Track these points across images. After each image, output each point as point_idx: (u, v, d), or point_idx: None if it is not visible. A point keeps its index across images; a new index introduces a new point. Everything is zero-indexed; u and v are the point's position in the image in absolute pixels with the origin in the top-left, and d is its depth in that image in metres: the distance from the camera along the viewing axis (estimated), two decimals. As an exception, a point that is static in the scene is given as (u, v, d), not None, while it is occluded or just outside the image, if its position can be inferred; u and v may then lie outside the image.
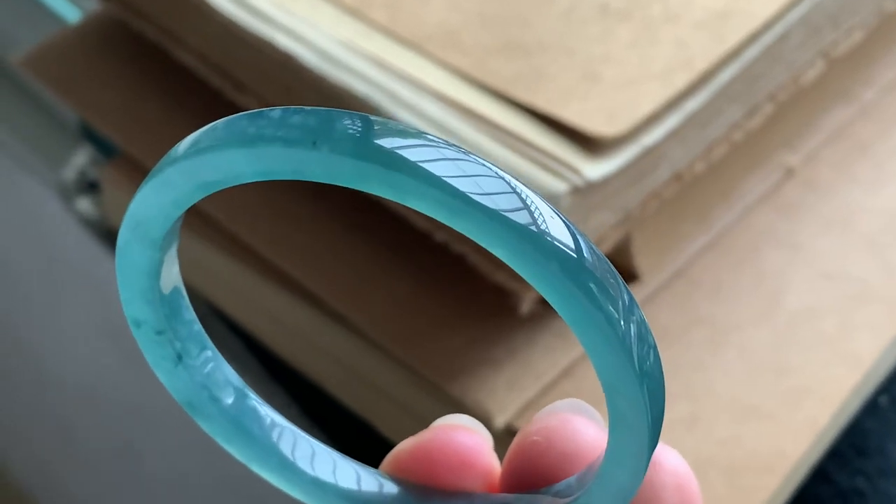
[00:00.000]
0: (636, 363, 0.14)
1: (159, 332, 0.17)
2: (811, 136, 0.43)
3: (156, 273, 0.16)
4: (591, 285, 0.14)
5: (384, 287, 0.38)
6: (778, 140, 0.42)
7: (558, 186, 0.33)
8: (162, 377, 0.18)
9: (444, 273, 0.38)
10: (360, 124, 0.14)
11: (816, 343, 0.37)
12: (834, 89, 0.44)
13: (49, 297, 0.65)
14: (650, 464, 0.16)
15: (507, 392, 0.36)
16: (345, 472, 0.19)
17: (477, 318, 0.37)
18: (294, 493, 0.19)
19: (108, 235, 0.48)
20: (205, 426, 0.18)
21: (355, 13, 0.38)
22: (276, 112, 0.14)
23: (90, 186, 0.50)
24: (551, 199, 0.33)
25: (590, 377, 0.37)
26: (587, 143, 0.34)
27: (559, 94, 0.35)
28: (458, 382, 0.36)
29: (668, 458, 0.17)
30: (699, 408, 0.35)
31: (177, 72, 0.43)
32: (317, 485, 0.18)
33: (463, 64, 0.36)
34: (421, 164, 0.13)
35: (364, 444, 0.40)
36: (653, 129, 0.35)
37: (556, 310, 0.14)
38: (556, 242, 0.14)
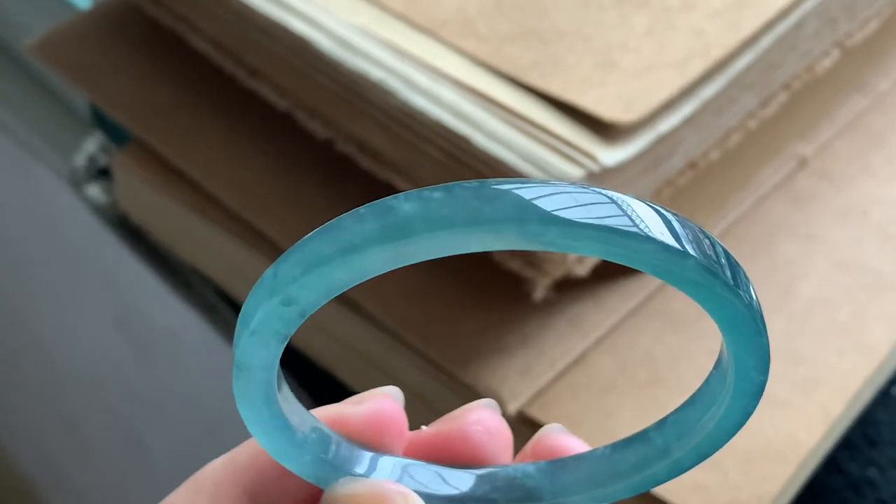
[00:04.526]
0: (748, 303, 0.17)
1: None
2: (825, 127, 0.43)
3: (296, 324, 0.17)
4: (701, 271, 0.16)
5: (398, 274, 0.38)
6: (792, 130, 0.42)
7: (574, 172, 0.33)
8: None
9: (458, 260, 0.38)
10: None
11: (830, 333, 0.37)
12: (849, 79, 0.44)
13: (58, 285, 0.65)
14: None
15: (519, 379, 0.36)
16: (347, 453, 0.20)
17: (490, 305, 0.37)
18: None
19: (118, 222, 0.48)
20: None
21: (370, -1, 0.38)
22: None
23: (101, 173, 0.50)
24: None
25: (603, 364, 0.37)
26: (603, 130, 0.34)
27: (575, 80, 0.35)
28: (471, 369, 0.36)
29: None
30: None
31: (190, 58, 0.43)
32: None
33: (479, 50, 0.36)
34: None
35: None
36: (668, 116, 0.35)
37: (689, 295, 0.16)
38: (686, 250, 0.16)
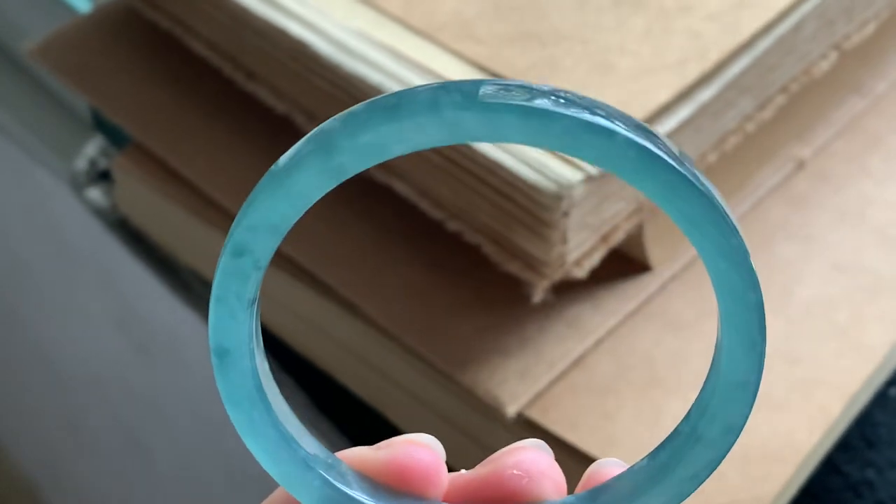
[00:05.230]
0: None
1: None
2: (823, 129, 0.43)
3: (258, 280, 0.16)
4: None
5: (396, 276, 0.38)
6: (790, 132, 0.42)
7: (572, 175, 0.33)
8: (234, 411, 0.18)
9: (457, 262, 0.38)
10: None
11: (829, 334, 0.37)
12: (846, 82, 0.44)
13: (59, 287, 0.65)
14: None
15: (518, 381, 0.36)
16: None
17: (489, 308, 0.37)
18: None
19: (119, 225, 0.48)
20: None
21: (369, 2, 0.38)
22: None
23: (101, 176, 0.50)
24: (565, 187, 0.33)
25: (601, 366, 0.37)
26: (601, 133, 0.34)
27: (573, 83, 0.35)
28: (470, 371, 0.36)
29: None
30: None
31: (189, 61, 0.43)
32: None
33: (477, 54, 0.36)
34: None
35: (373, 434, 0.40)
36: (666, 119, 0.35)
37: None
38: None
